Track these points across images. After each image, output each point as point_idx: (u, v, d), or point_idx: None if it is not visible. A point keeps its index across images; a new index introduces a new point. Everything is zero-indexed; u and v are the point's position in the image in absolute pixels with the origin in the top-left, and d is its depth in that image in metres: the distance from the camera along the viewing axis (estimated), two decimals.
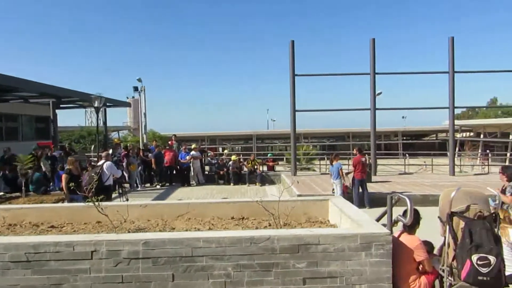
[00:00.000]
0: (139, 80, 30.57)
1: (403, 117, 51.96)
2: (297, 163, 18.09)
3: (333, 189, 11.56)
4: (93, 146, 24.10)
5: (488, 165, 21.51)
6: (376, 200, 11.13)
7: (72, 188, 8.44)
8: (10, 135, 20.82)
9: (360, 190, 11.38)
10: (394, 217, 4.06)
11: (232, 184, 16.04)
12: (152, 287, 3.58)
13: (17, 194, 10.42)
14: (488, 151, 36.89)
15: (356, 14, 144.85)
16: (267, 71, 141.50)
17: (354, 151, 12.55)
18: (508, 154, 34.32)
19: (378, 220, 4.30)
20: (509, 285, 3.64)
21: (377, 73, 16.26)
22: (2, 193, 11.05)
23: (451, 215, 3.45)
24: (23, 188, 10.20)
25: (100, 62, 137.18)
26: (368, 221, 4.08)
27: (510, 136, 39.91)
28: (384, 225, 4.00)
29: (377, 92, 17.11)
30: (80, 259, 3.59)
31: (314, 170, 21.00)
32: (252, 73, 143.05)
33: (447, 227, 3.47)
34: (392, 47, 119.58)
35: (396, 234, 3.99)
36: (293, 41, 16.16)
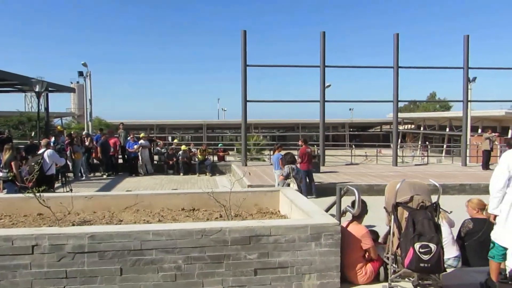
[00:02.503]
0: (85, 64, 29.31)
1: (350, 109, 53.68)
2: (248, 153, 18.16)
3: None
4: (33, 133, 22.83)
5: (428, 156, 22.76)
6: (324, 190, 11.43)
7: (10, 178, 7.99)
8: None
9: (307, 180, 11.64)
10: (342, 208, 4.19)
11: (182, 174, 15.82)
12: (98, 282, 3.45)
13: None
14: (427, 142, 39.08)
15: (307, 6, 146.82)
16: (218, 60, 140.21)
17: (300, 143, 12.80)
18: (445, 146, 36.53)
19: (327, 210, 4.41)
20: (446, 270, 3.86)
21: (327, 66, 16.58)
22: None
23: (396, 205, 3.60)
24: None
25: (42, 44, 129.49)
26: (318, 212, 4.16)
27: (447, 128, 42.50)
28: (333, 215, 4.11)
29: (326, 84, 17.49)
30: (19, 254, 3.38)
31: (264, 161, 21.20)
32: (203, 61, 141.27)
33: (392, 217, 3.62)
34: (344, 40, 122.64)
35: (344, 224, 4.11)
36: (245, 31, 16.08)
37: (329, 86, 22.92)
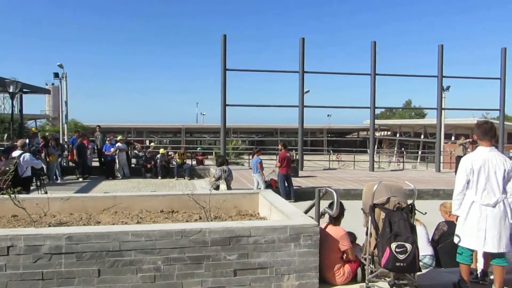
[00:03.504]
0: (60, 66, 28.77)
1: (328, 115, 54.32)
2: (226, 157, 18.15)
3: (258, 184, 11.78)
4: (6, 135, 22.23)
5: (403, 161, 23.24)
6: (302, 194, 11.54)
7: None
8: None
9: (286, 184, 11.73)
10: (321, 210, 4.25)
11: (160, 177, 15.68)
12: (76, 283, 3.40)
13: None
14: (403, 148, 39.89)
15: (285, 13, 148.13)
16: (197, 65, 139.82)
17: (280, 147, 12.90)
18: (420, 152, 37.33)
19: (306, 212, 4.47)
20: (421, 270, 3.97)
21: (306, 72, 16.78)
22: None
23: (373, 206, 3.68)
24: None
25: (15, 45, 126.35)
26: (297, 213, 4.21)
27: (422, 135, 43.48)
28: (311, 217, 4.17)
29: (305, 90, 17.70)
30: None
31: (242, 165, 21.22)
32: (182, 65, 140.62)
33: (370, 218, 3.70)
34: (323, 48, 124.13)
35: (322, 225, 4.17)
36: (225, 36, 16.14)
37: (307, 91, 23.20)
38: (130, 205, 5.15)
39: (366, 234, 3.83)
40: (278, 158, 12.43)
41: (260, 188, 10.76)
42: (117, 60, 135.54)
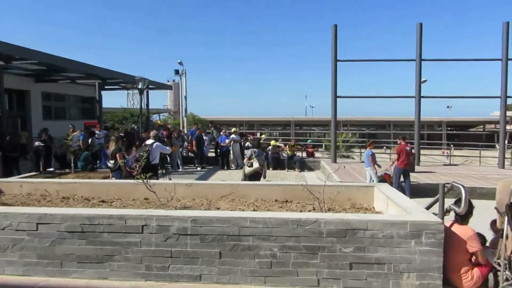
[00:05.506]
0: (180, 63, 31.03)
1: (448, 106, 50.08)
2: (336, 150, 17.86)
3: (371, 178, 11.35)
4: (135, 127, 24.77)
5: None
6: (419, 191, 10.83)
7: (118, 165, 8.78)
8: (58, 114, 21.80)
9: (401, 179, 11.11)
10: (446, 206, 3.93)
11: (271, 169, 16.05)
12: (199, 263, 3.66)
13: (67, 170, 10.89)
14: None
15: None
16: (307, 55, 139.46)
17: (399, 141, 12.22)
18: None
19: (428, 208, 4.17)
20: None
21: (424, 60, 15.64)
22: (52, 169, 11.59)
23: (511, 205, 3.29)
24: (72, 164, 10.66)
25: (142, 44, 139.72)
26: (418, 209, 3.96)
27: None
28: (434, 214, 3.88)
29: (422, 79, 16.50)
30: (131, 232, 3.71)
31: (353, 158, 20.70)
32: (291, 56, 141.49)
33: (506, 218, 3.31)
34: (439, 32, 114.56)
35: (447, 223, 3.86)
36: (335, 26, 15.78)
37: (425, 81, 21.57)
38: (246, 193, 5.37)
39: (501, 236, 3.44)
40: (396, 150, 11.80)
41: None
42: (230, 53, 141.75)
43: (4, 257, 3.92)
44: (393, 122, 47.45)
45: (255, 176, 9.48)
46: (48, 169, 11.38)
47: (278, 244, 3.58)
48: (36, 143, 12.69)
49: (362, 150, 20.77)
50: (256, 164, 9.58)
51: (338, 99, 15.92)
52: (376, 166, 11.36)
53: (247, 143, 18.38)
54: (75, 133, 14.85)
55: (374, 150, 12.19)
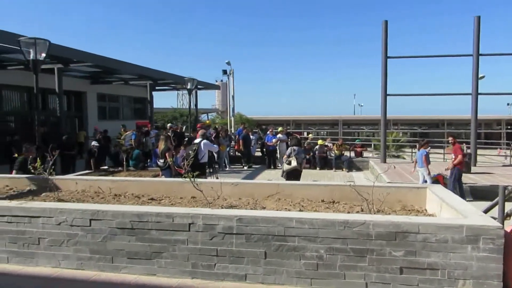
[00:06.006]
0: (228, 63, 31.37)
1: (508, 104, 47.17)
2: (386, 150, 17.33)
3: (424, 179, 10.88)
4: (184, 127, 25.40)
5: None
6: (476, 192, 10.28)
7: (167, 164, 9.03)
8: (112, 114, 22.77)
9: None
10: (507, 210, 3.67)
11: (318, 168, 15.88)
12: (245, 263, 3.65)
13: (119, 168, 11.32)
14: None
15: None
16: (355, 54, 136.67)
17: (451, 140, 11.63)
18: None
19: (486, 212, 3.93)
20: None
21: (481, 54, 14.84)
22: (106, 167, 12.10)
23: None
24: (124, 163, 11.07)
25: (189, 45, 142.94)
26: (474, 212, 3.73)
27: None
28: (493, 217, 3.64)
29: (480, 75, 15.64)
30: (178, 230, 3.77)
31: (404, 158, 20.00)
32: (339, 55, 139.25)
33: None
34: (497, 26, 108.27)
35: (507, 228, 3.61)
36: (386, 22, 15.34)
37: (483, 77, 20.47)
38: (292, 193, 5.31)
39: None
40: (455, 151, 11.18)
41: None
42: (277, 55, 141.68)
43: (60, 251, 4.12)
44: (447, 121, 45.42)
45: (294, 174, 9.69)
46: (101, 167, 11.90)
47: (325, 245, 3.50)
48: (92, 143, 13.33)
49: (414, 150, 20.05)
50: (294, 162, 9.75)
51: (388, 97, 15.47)
52: (428, 167, 10.90)
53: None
54: (127, 133, 15.45)
55: (432, 150, 11.69)
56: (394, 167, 11.30)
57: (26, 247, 4.21)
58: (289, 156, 10.14)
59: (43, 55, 8.06)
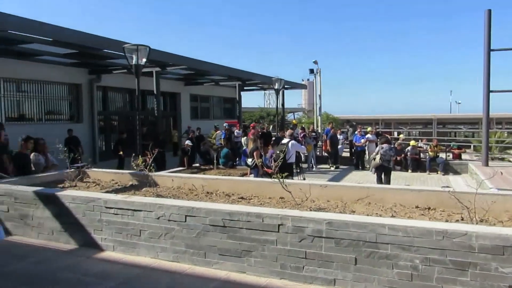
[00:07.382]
0: (315, 62, 31.06)
1: None
2: (488, 152, 15.87)
3: None
4: (271, 126, 25.70)
5: None
6: None
7: (255, 164, 9.23)
8: (203, 114, 23.91)
9: None
10: None
11: (410, 171, 15.08)
12: (334, 267, 3.59)
13: (210, 166, 11.81)
14: None
15: None
16: (452, 46, 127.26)
17: None
18: None
19: None
20: None
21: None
22: (197, 164, 12.71)
23: None
24: (214, 161, 11.53)
25: (275, 44, 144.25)
26: None
27: None
28: None
29: None
30: (268, 230, 3.83)
31: (509, 161, 18.15)
32: (435, 49, 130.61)
33: None
34: None
35: None
36: (489, 11, 13.98)
37: None
38: (383, 197, 5.11)
39: None
40: None
41: None
42: (365, 51, 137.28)
43: (158, 243, 4.42)
44: None
45: (383, 170, 10.14)
46: (194, 165, 12.51)
47: (420, 255, 3.31)
48: (186, 142, 14.09)
49: None
50: (378, 159, 10.16)
51: (491, 93, 14.14)
52: None
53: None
54: (217, 132, 16.08)
55: None
56: (502, 173, 10.20)
57: (129, 238, 4.59)
58: (376, 154, 10.42)
59: (144, 60, 8.68)
